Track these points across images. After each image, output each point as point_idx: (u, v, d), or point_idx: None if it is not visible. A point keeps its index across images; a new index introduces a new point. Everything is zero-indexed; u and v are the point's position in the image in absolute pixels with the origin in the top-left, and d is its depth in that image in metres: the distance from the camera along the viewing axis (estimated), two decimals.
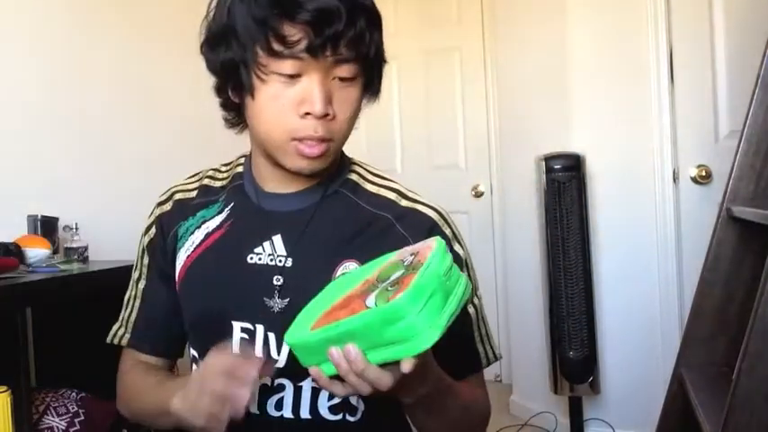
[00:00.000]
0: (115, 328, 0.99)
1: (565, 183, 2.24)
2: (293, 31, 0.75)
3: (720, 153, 2.24)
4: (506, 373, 3.20)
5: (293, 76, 0.78)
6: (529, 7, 2.71)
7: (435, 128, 3.41)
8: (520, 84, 2.80)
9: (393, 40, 3.59)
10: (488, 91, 3.27)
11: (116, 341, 0.98)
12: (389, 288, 0.65)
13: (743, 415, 1.06)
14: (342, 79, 0.80)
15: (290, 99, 0.79)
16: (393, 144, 3.50)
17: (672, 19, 2.36)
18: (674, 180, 2.39)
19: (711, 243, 1.53)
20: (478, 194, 3.34)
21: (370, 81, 0.85)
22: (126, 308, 0.99)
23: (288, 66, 0.77)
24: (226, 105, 0.88)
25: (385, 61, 0.87)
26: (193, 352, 0.93)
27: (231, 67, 0.81)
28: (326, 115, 0.79)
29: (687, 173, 2.38)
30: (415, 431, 0.94)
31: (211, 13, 0.83)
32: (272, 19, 0.75)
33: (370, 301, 0.64)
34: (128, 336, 0.97)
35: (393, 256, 0.73)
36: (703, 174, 2.35)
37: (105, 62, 2.17)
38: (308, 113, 0.78)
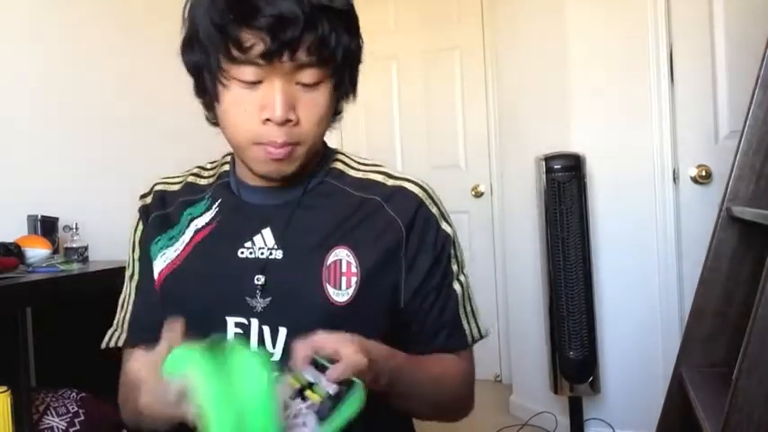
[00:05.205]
0: (110, 331, 0.97)
1: (565, 183, 2.24)
2: (249, 37, 0.75)
3: (720, 153, 2.24)
4: (506, 373, 3.20)
5: (254, 83, 0.78)
6: (529, 7, 2.71)
7: (435, 128, 3.40)
8: (520, 83, 2.80)
9: (393, 39, 3.58)
10: (488, 91, 3.27)
11: (112, 344, 0.95)
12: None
13: (743, 415, 1.06)
14: (306, 84, 0.79)
15: (251, 104, 0.79)
16: (393, 144, 3.49)
17: (672, 19, 2.36)
18: (674, 180, 2.39)
19: (711, 243, 1.53)
20: (478, 194, 3.34)
21: (340, 83, 0.83)
22: (121, 310, 0.97)
23: (247, 73, 0.77)
24: (206, 105, 0.89)
25: (359, 61, 0.86)
26: None
27: (198, 70, 0.83)
28: (289, 121, 0.79)
29: (687, 173, 2.38)
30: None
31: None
32: (230, 25, 0.75)
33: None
34: (124, 336, 0.94)
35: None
36: (703, 174, 2.35)
37: (106, 62, 2.17)
38: (268, 119, 0.78)
